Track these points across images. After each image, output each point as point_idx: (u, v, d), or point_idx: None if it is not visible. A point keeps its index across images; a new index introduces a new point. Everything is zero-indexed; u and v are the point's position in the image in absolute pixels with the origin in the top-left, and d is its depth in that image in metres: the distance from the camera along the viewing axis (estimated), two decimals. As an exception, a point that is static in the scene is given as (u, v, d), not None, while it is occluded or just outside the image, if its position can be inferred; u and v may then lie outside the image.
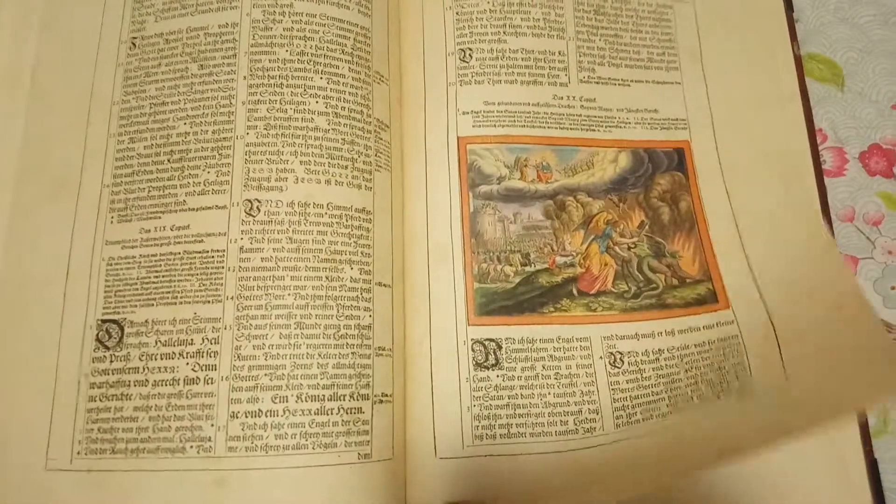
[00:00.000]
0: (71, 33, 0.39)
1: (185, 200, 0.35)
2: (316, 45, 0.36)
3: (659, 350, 0.36)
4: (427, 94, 0.39)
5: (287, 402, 0.32)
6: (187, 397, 0.32)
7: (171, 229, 0.35)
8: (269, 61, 0.36)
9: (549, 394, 0.35)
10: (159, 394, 0.33)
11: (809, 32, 0.44)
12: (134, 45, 0.38)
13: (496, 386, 0.35)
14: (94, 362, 0.34)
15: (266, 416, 0.32)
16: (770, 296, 0.37)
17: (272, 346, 0.33)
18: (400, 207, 0.37)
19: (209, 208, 0.35)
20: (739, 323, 0.37)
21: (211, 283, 0.34)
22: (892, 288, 0.39)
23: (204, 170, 0.35)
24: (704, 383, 0.36)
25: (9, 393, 0.33)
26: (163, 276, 0.34)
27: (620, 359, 0.36)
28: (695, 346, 0.36)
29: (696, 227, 0.39)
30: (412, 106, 0.39)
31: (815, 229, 0.38)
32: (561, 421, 0.34)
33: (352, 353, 0.33)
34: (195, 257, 0.34)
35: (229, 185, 0.35)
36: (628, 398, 0.35)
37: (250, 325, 0.33)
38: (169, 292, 0.34)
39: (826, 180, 0.40)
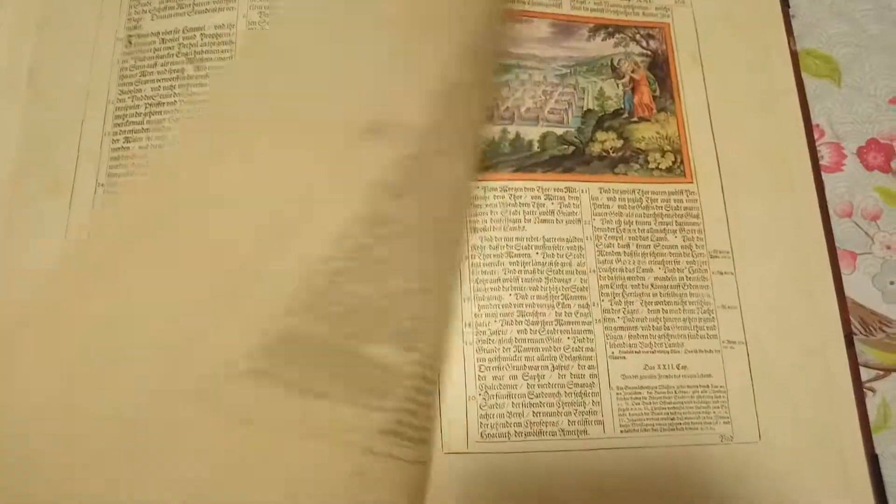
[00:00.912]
0: (68, 28, 0.39)
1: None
2: None
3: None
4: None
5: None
6: None
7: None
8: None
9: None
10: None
11: (806, 28, 0.43)
12: (130, 42, 0.38)
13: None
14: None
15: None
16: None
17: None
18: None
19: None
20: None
21: None
22: (892, 283, 0.39)
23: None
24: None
25: None
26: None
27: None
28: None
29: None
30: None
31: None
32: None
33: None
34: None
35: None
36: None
37: None
38: None
39: (823, 175, 0.40)
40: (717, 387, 0.36)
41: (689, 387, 0.36)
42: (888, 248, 0.40)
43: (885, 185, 0.41)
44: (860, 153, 0.41)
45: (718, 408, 0.36)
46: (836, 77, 0.43)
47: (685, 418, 0.35)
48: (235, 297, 0.21)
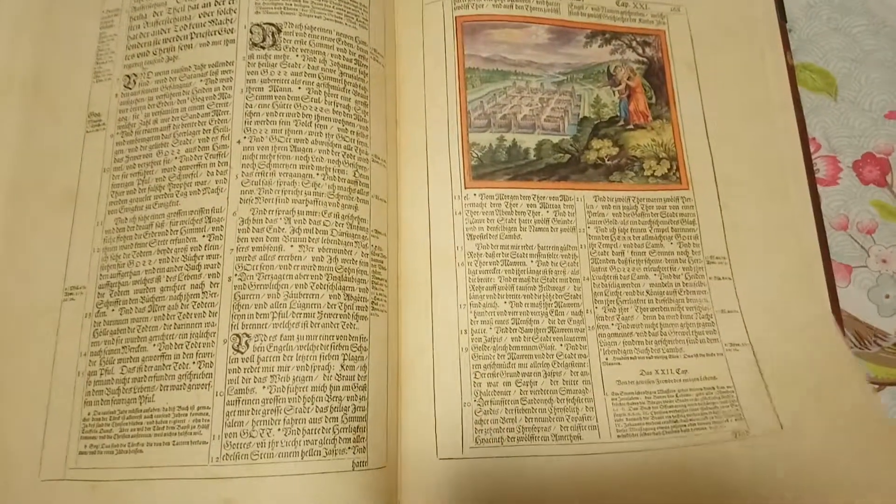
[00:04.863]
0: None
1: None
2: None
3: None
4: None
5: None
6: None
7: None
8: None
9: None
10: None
11: (802, 42, 0.44)
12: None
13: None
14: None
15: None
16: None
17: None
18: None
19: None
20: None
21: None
22: (887, 296, 0.39)
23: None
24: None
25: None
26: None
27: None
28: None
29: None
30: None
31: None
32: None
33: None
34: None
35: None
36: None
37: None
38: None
39: (819, 189, 0.40)
40: (723, 388, 0.36)
41: (691, 390, 0.36)
42: (884, 261, 0.40)
43: (881, 199, 0.41)
44: (856, 167, 0.42)
45: (727, 406, 0.36)
46: (833, 91, 0.43)
47: (689, 420, 0.35)
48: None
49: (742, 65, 0.42)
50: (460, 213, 0.38)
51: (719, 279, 0.38)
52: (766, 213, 0.39)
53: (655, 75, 0.42)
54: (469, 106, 0.40)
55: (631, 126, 0.41)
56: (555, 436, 0.35)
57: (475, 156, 0.39)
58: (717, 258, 0.39)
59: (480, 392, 0.35)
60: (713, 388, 0.36)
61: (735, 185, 0.40)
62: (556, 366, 0.36)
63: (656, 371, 0.36)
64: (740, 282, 0.38)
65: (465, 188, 0.38)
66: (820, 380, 0.36)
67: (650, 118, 0.41)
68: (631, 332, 0.37)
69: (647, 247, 0.38)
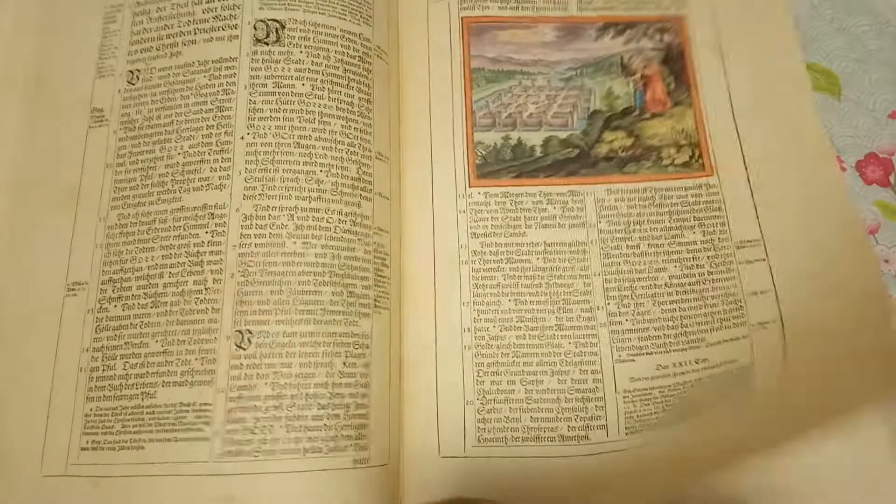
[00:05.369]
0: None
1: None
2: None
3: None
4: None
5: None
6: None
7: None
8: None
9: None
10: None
11: (806, 41, 0.44)
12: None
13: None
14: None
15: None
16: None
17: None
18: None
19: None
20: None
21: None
22: (890, 297, 0.39)
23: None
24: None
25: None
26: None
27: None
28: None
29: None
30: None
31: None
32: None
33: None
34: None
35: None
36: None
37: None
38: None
39: (823, 188, 0.40)
40: (741, 367, 0.36)
41: (709, 377, 0.35)
42: (886, 261, 0.40)
43: (884, 199, 0.41)
44: (859, 167, 0.42)
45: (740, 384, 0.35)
46: (836, 91, 0.43)
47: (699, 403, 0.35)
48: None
49: (769, 39, 0.41)
50: (464, 211, 0.38)
51: (751, 262, 0.37)
52: (802, 187, 0.38)
53: (674, 61, 0.41)
54: (474, 105, 0.39)
55: (647, 115, 0.40)
56: (561, 436, 0.34)
57: (480, 154, 0.39)
58: (748, 242, 0.37)
59: (483, 391, 0.35)
60: (731, 371, 0.36)
61: (767, 164, 0.39)
62: (564, 364, 0.35)
63: (674, 364, 0.36)
64: (776, 260, 0.37)
65: (470, 187, 0.38)
66: (855, 341, 0.34)
67: (669, 105, 0.40)
68: (647, 327, 0.36)
69: (665, 238, 0.37)
